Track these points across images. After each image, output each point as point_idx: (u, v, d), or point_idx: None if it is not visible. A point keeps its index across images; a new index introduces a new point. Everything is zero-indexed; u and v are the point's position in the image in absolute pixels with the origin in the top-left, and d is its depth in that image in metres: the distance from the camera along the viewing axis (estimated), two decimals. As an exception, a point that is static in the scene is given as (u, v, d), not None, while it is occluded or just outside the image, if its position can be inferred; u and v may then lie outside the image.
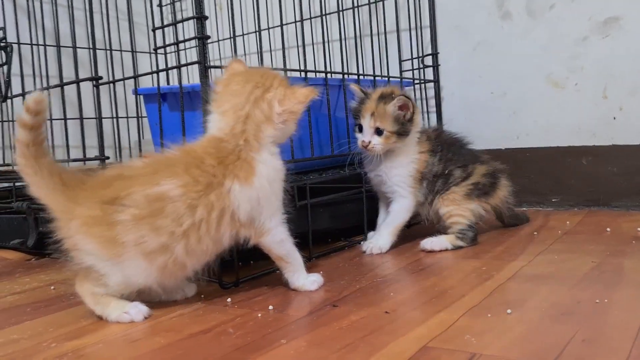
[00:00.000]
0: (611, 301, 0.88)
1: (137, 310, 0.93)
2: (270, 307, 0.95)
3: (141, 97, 1.46)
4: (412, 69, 1.86)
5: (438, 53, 1.85)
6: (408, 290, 1.01)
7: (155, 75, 1.18)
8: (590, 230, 1.41)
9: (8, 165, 1.65)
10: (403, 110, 1.33)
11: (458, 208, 1.36)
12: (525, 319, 0.83)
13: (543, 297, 0.93)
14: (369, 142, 1.32)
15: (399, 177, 1.37)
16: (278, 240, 1.00)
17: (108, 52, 1.37)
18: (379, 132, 1.33)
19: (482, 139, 1.83)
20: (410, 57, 1.86)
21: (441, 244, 1.31)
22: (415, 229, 1.55)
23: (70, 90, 1.34)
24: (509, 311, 0.86)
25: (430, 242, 1.31)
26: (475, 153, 1.46)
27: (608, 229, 1.39)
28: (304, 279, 1.04)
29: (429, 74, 1.86)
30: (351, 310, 0.92)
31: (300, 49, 1.38)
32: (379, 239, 1.35)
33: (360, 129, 1.35)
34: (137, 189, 0.90)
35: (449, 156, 1.40)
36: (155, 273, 0.92)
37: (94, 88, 1.26)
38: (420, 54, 1.86)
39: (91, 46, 1.26)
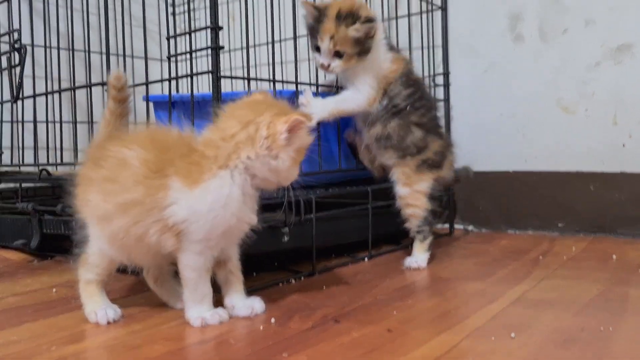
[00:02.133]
0: (616, 329, 0.87)
1: (103, 314, 0.95)
2: (272, 320, 0.95)
3: (151, 103, 1.47)
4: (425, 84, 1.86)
5: (449, 72, 1.85)
6: (411, 310, 1.00)
7: (161, 82, 1.19)
8: (596, 257, 1.40)
9: (16, 165, 1.65)
10: (367, 32, 1.27)
11: (412, 193, 1.37)
12: (529, 343, 0.82)
13: (547, 322, 0.92)
14: (329, 65, 1.29)
15: (359, 76, 1.33)
16: (185, 263, 0.91)
17: (117, 57, 1.36)
18: (339, 54, 1.28)
19: (490, 160, 1.83)
20: (421, 76, 1.86)
21: (424, 259, 1.35)
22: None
23: (80, 94, 1.35)
24: (512, 335, 0.85)
25: (415, 261, 1.34)
26: (438, 123, 1.47)
27: (614, 256, 1.38)
28: (194, 313, 0.93)
29: (440, 93, 1.86)
30: (353, 326, 0.91)
31: (312, 62, 1.38)
32: (320, 101, 1.30)
33: (318, 49, 1.29)
34: (110, 151, 0.92)
35: (416, 105, 1.38)
36: (113, 244, 0.93)
37: (106, 93, 1.26)
38: (432, 73, 1.87)
39: (104, 51, 1.27)
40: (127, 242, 0.91)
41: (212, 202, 0.87)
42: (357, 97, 1.33)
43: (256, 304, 0.99)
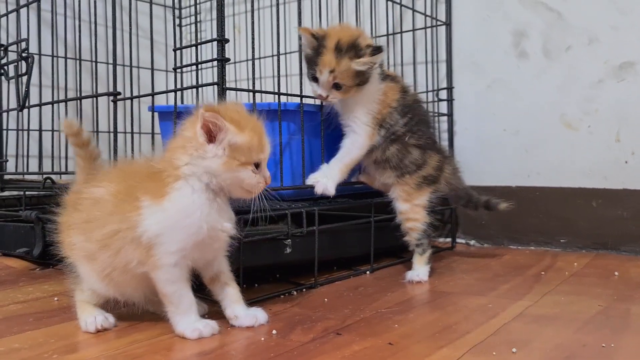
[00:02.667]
0: (617, 346, 0.87)
1: (92, 320, 0.96)
2: (274, 332, 0.95)
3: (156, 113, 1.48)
4: (427, 102, 1.87)
5: (453, 87, 1.86)
6: (412, 324, 1.00)
7: (166, 93, 1.20)
8: (598, 274, 1.39)
9: (20, 173, 1.65)
10: (372, 65, 1.26)
11: (412, 208, 1.38)
12: (530, 359, 0.82)
13: (548, 338, 0.92)
14: (327, 96, 1.27)
15: (355, 113, 1.32)
16: (164, 279, 0.91)
17: (121, 67, 1.38)
18: (337, 86, 1.26)
19: (493, 175, 1.84)
20: (425, 90, 1.88)
21: (425, 272, 1.36)
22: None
23: (84, 103, 1.36)
24: (514, 350, 0.85)
25: (417, 275, 1.34)
26: (434, 138, 1.49)
27: (616, 273, 1.38)
28: (185, 325, 0.92)
29: (443, 107, 1.87)
30: (354, 339, 0.91)
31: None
32: (327, 172, 1.29)
33: (316, 80, 1.27)
34: (85, 193, 0.97)
35: (414, 129, 1.38)
36: (99, 280, 0.96)
37: (112, 103, 1.28)
38: (435, 87, 1.87)
39: (111, 62, 1.28)
40: (115, 276, 0.94)
41: (179, 211, 0.89)
42: (358, 141, 1.33)
43: (259, 314, 0.99)
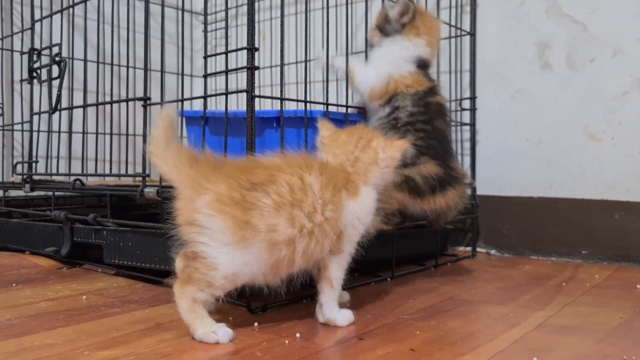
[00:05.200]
0: (639, 359, 0.87)
1: (225, 332, 0.92)
2: (298, 335, 0.97)
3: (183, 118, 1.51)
4: (450, 111, 1.88)
5: (476, 97, 1.87)
6: (434, 330, 1.02)
7: (192, 99, 1.23)
8: (620, 286, 1.39)
9: (50, 174, 1.70)
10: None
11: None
12: (552, 368, 0.83)
13: (569, 348, 0.92)
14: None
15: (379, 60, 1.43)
16: (343, 264, 1.04)
17: (149, 72, 1.40)
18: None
19: (514, 185, 1.84)
20: (448, 99, 1.89)
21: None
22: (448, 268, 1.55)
23: (109, 107, 1.39)
24: (535, 359, 0.86)
25: None
26: (445, 152, 1.41)
27: (638, 286, 1.38)
28: (337, 312, 1.04)
29: (466, 117, 1.88)
30: (377, 344, 0.93)
31: (341, 82, 1.41)
32: None
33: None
34: (282, 177, 0.95)
35: (418, 127, 1.37)
36: (269, 268, 0.94)
37: (143, 108, 1.31)
38: (459, 97, 1.89)
39: (135, 66, 1.32)
40: (298, 262, 0.96)
41: (366, 208, 1.04)
42: (369, 74, 1.40)
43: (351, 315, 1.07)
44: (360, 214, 1.03)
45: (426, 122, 1.39)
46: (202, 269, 0.92)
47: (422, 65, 1.44)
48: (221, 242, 0.91)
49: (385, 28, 1.44)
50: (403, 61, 1.41)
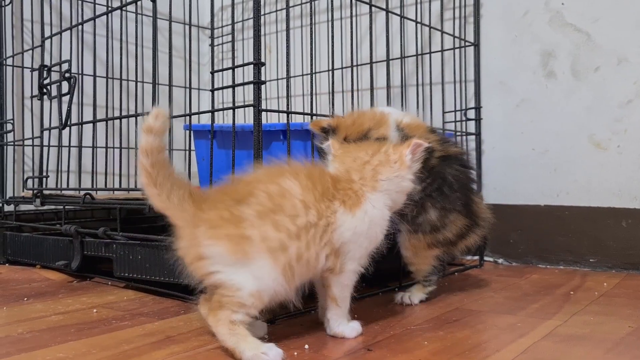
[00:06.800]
0: (648, 367, 0.88)
1: (276, 353, 0.89)
2: (306, 346, 0.97)
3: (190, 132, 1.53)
4: (455, 121, 1.89)
5: (481, 107, 1.88)
6: (441, 341, 1.02)
7: (199, 114, 1.24)
8: (628, 294, 1.39)
9: (59, 189, 1.72)
10: None
11: (416, 257, 1.32)
12: (560, 378, 0.83)
13: (578, 358, 0.93)
14: None
15: None
16: (346, 283, 1.02)
17: (157, 86, 1.42)
18: None
19: (521, 194, 1.85)
20: (453, 109, 1.90)
21: (417, 298, 1.32)
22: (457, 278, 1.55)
23: (117, 121, 1.41)
24: (543, 369, 0.86)
25: (408, 297, 1.32)
26: (468, 200, 1.33)
27: (646, 294, 1.38)
28: (344, 326, 1.04)
29: (471, 126, 1.89)
30: (385, 355, 0.93)
31: (347, 94, 1.42)
32: None
33: None
34: (260, 187, 0.95)
35: (434, 195, 1.27)
36: (280, 275, 0.92)
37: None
38: (463, 107, 1.90)
39: (143, 81, 1.34)
40: (297, 269, 0.94)
41: (370, 222, 1.00)
42: None
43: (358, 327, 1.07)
44: (361, 229, 0.99)
45: (440, 186, 1.28)
46: (227, 292, 0.91)
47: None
48: (229, 264, 0.91)
49: None
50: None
